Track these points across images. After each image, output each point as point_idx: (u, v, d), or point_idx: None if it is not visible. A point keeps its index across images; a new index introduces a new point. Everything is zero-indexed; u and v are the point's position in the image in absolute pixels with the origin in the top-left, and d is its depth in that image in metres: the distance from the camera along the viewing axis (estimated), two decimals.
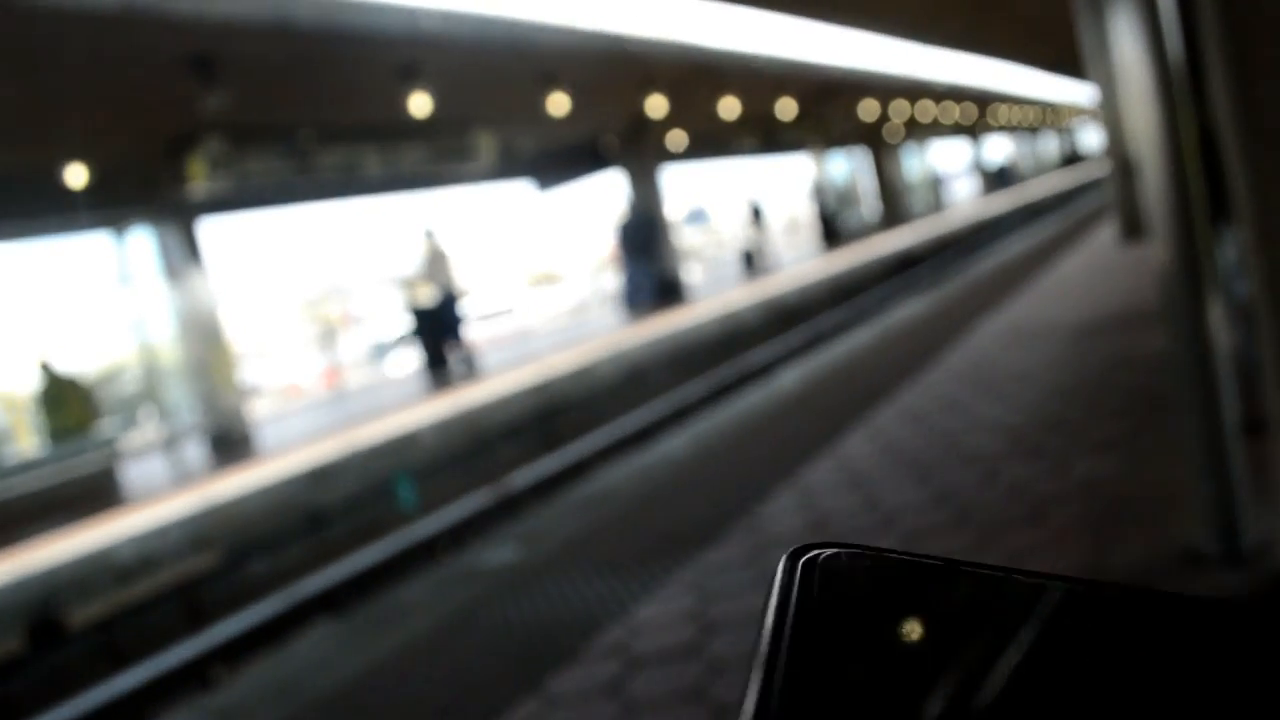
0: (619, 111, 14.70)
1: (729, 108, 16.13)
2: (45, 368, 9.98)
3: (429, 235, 12.53)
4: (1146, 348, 4.56)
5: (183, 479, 8.97)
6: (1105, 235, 10.68)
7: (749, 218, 21.59)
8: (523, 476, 8.26)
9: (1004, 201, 30.93)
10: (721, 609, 2.72)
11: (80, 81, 7.92)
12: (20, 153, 9.11)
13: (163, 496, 7.98)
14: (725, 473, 4.37)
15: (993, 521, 2.84)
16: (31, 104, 8.08)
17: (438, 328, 12.73)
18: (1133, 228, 8.08)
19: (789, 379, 9.13)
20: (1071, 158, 55.91)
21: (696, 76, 13.82)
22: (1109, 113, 7.87)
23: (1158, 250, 2.52)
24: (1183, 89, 2.18)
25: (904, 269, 18.82)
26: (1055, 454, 3.34)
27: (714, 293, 17.19)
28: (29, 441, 10.72)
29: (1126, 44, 3.51)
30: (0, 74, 7.28)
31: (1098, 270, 8.19)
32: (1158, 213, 2.54)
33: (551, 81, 11.22)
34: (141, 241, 11.00)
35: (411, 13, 8.88)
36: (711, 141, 20.02)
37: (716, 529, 3.32)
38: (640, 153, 17.05)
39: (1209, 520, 2.45)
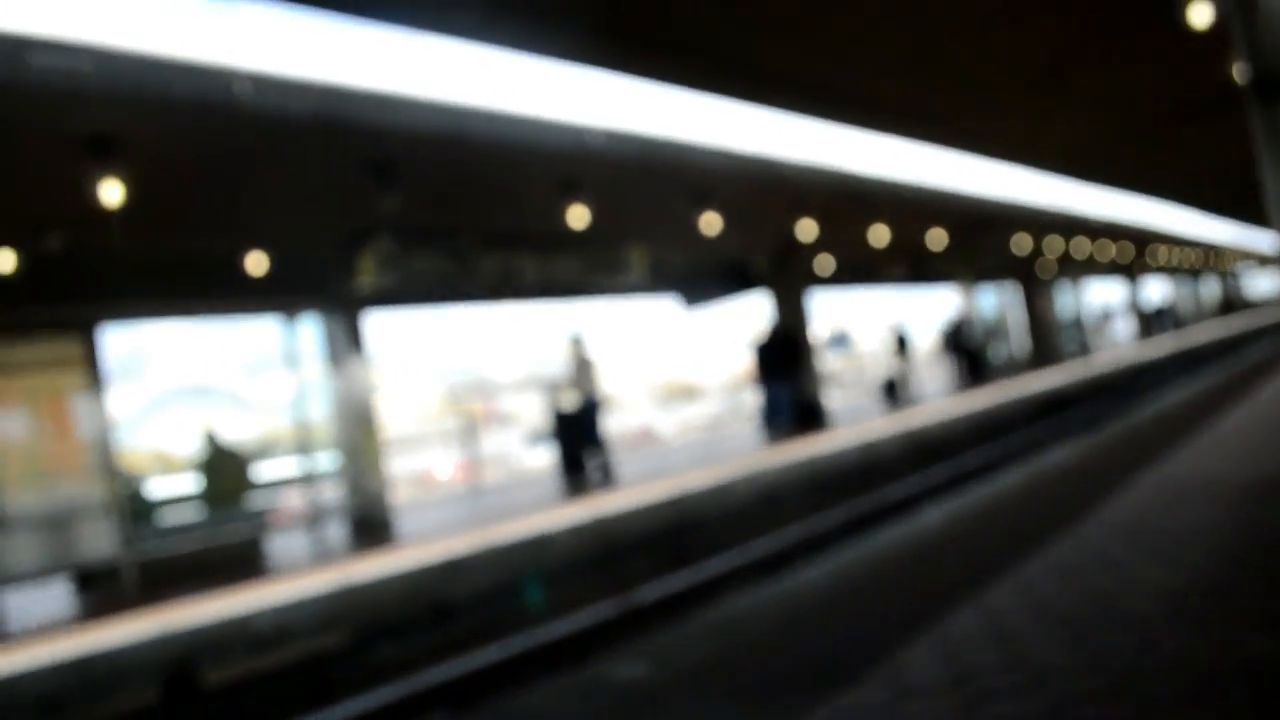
0: (769, 234, 14.90)
1: (879, 235, 16.14)
2: (210, 436, 10.54)
3: (576, 341, 12.82)
4: None
5: (323, 557, 9.25)
6: (1276, 390, 10.13)
7: (894, 346, 21.34)
8: (652, 591, 8.20)
9: (1163, 345, 29.71)
10: None
11: (269, 178, 8.55)
12: (208, 239, 9.82)
13: (303, 572, 8.24)
14: (862, 611, 4.25)
15: (1154, 695, 2.67)
16: (223, 197, 8.74)
17: (577, 432, 12.91)
18: None
19: (931, 518, 8.87)
20: (1236, 303, 53.53)
21: (848, 202, 13.94)
22: None
23: None
24: None
25: (1054, 411, 18.17)
26: (1222, 626, 3.14)
27: (855, 420, 16.95)
28: (181, 505, 11.26)
29: None
30: (196, 169, 7.91)
31: (1268, 428, 7.74)
32: None
33: (705, 200, 11.49)
34: (309, 328, 11.61)
35: (578, 131, 9.29)
36: (860, 268, 20.02)
37: (852, 671, 3.22)
38: (788, 276, 17.16)
39: None
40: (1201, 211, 29.51)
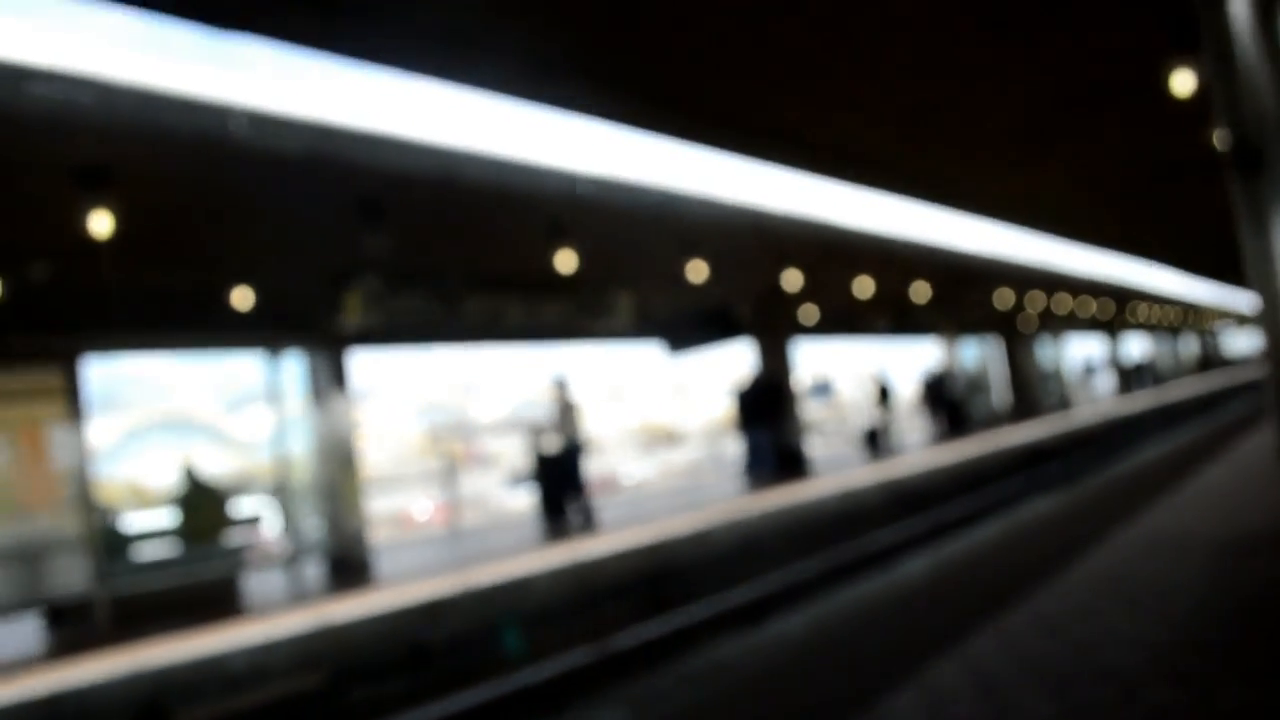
0: (754, 282, 15.01)
1: (863, 286, 16.29)
2: (188, 471, 10.46)
3: (560, 385, 12.83)
4: None
5: (300, 597, 9.16)
6: (1253, 446, 10.22)
7: (876, 396, 21.43)
8: (631, 637, 8.15)
9: (1141, 401, 29.94)
10: None
11: (259, 214, 8.57)
12: (195, 273, 9.81)
13: (280, 611, 8.15)
14: (843, 661, 4.24)
15: None
16: (212, 231, 8.75)
17: (559, 476, 12.88)
18: None
19: (912, 568, 8.87)
20: (1215, 361, 54.07)
21: (833, 254, 14.07)
22: (1270, 323, 7.63)
23: None
24: None
25: (1034, 463, 18.25)
26: (1200, 679, 3.15)
27: (836, 468, 16.97)
28: (157, 541, 11.14)
29: None
30: (186, 203, 7.93)
31: (1246, 485, 7.81)
32: None
33: (692, 248, 11.57)
34: (292, 365, 11.59)
35: (569, 177, 9.37)
36: (844, 319, 20.16)
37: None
38: (772, 324, 17.27)
39: None
40: (1181, 271, 29.90)
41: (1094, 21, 7.39)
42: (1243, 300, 38.53)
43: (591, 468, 14.55)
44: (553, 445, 13.09)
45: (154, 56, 6.54)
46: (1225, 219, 8.77)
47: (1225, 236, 9.70)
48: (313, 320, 11.09)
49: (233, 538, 10.45)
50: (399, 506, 23.97)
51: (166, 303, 10.07)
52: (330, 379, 11.62)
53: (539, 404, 13.36)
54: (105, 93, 6.32)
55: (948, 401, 23.83)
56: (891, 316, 20.86)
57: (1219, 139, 7.56)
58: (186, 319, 10.55)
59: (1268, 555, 4.84)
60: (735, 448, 20.92)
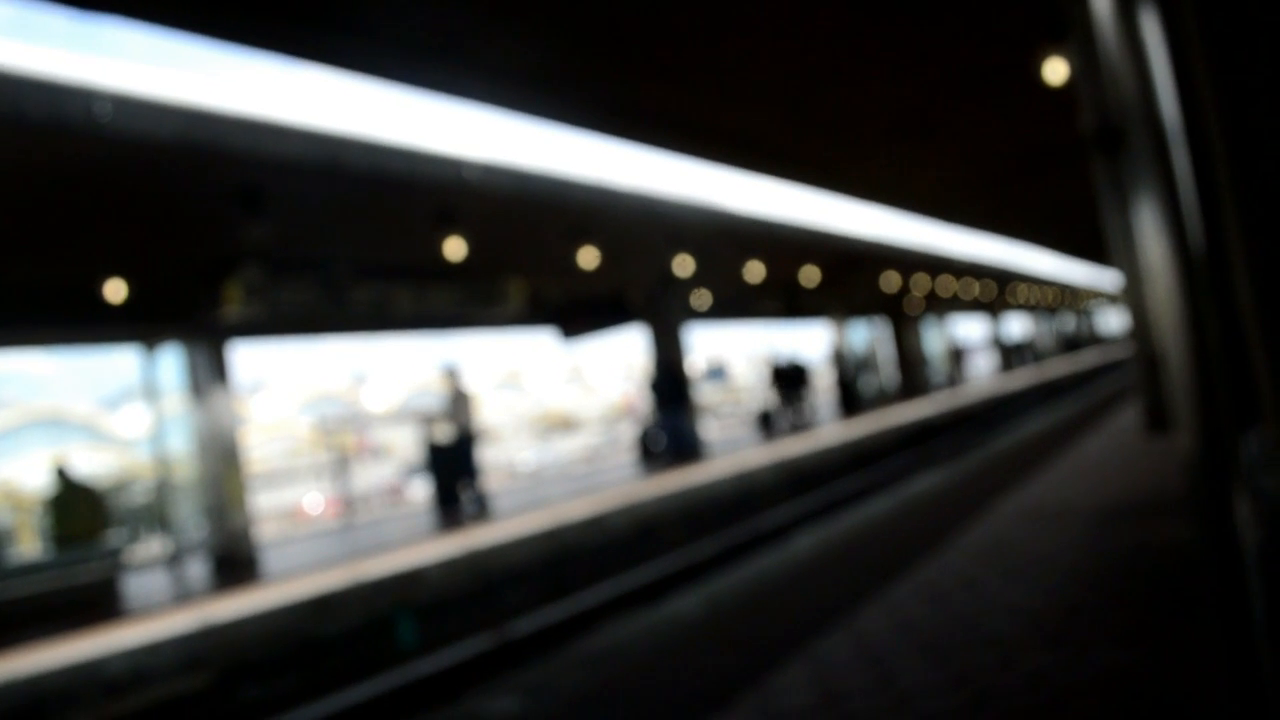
0: (646, 268, 15.05)
1: (754, 271, 16.48)
2: (60, 471, 10.01)
3: (451, 374, 12.68)
4: (1168, 537, 4.52)
5: (184, 596, 8.86)
6: (1125, 420, 10.70)
7: (769, 378, 21.73)
8: (527, 624, 8.13)
9: (1022, 379, 31.07)
10: None
11: (129, 202, 8.22)
12: (63, 265, 9.38)
13: (162, 612, 7.88)
14: (735, 638, 4.29)
15: (1013, 710, 2.77)
16: (78, 219, 8.36)
17: (453, 466, 12.74)
18: (1157, 419, 8.09)
19: (803, 545, 9.04)
20: (1090, 339, 56.45)
21: (724, 239, 14.20)
22: (1133, 300, 8.00)
23: (1184, 442, 2.54)
24: (1205, 284, 2.24)
25: (921, 440, 18.80)
26: (1075, 642, 3.28)
27: (730, 450, 17.18)
28: (31, 543, 10.67)
29: (1150, 236, 3.62)
30: (51, 189, 7.55)
31: (1119, 456, 8.17)
32: (1184, 406, 2.58)
33: (582, 235, 11.54)
34: (170, 359, 11.18)
35: (456, 163, 9.23)
36: (736, 303, 20.40)
37: (723, 697, 3.25)
38: (665, 310, 17.36)
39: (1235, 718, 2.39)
40: (1057, 253, 31.10)
41: (973, 10, 7.60)
42: (1109, 279, 40.31)
43: (487, 455, 14.43)
44: (445, 434, 12.94)
45: (10, 38, 6.21)
46: (1094, 203, 9.16)
47: (1093, 220, 10.12)
48: (191, 312, 10.70)
49: (110, 539, 10.04)
50: (290, 501, 23.42)
51: (35, 296, 9.61)
52: (211, 373, 11.25)
53: (431, 393, 13.14)
54: None
55: (839, 382, 24.35)
56: (782, 300, 21.18)
57: (1084, 124, 7.87)
58: (56, 313, 10.08)
59: (1135, 523, 5.07)
60: (631, 433, 21.01)
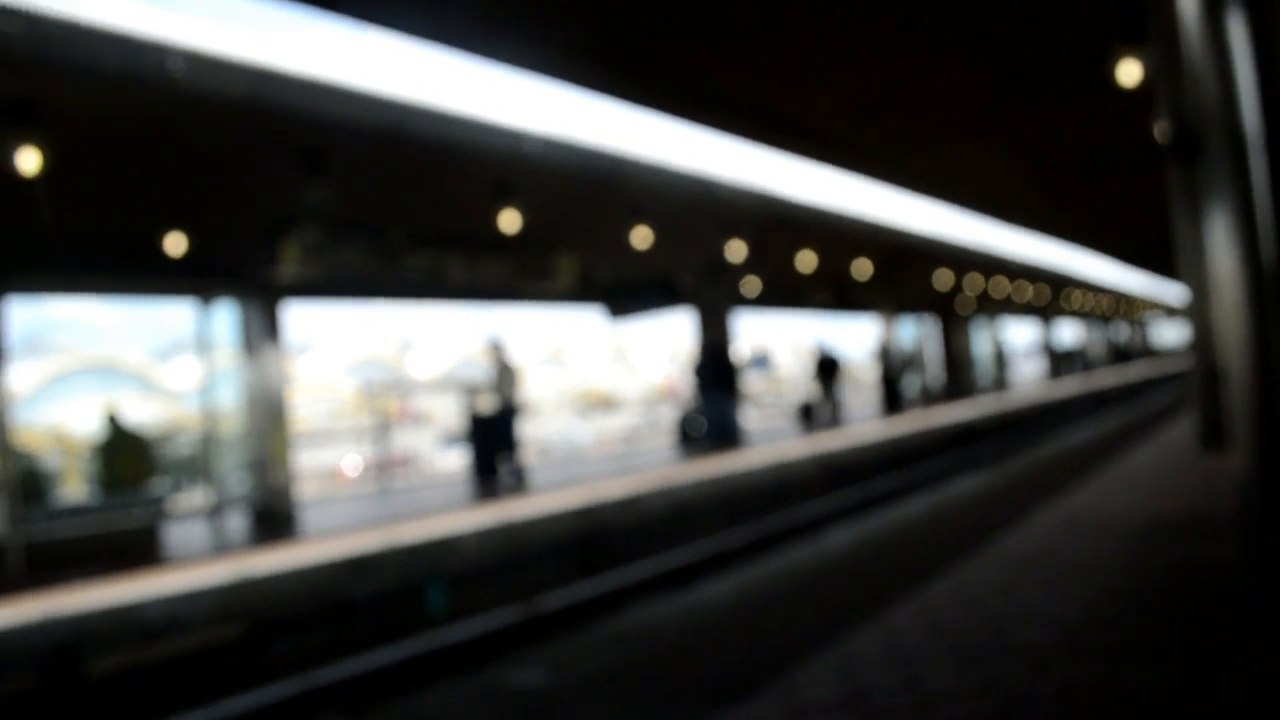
0: (698, 251, 14.98)
1: (806, 261, 16.36)
2: (111, 418, 10.21)
3: (496, 346, 12.74)
4: (1214, 557, 4.43)
5: (222, 548, 9.02)
6: (1176, 435, 10.49)
7: (814, 370, 21.56)
8: (558, 598, 8.17)
9: (1071, 386, 30.61)
10: None
11: (195, 157, 8.32)
12: (126, 216, 9.53)
13: (200, 562, 8.03)
14: (765, 628, 4.28)
15: (1040, 719, 2.74)
16: (146, 173, 8.49)
17: (493, 437, 12.81)
18: (1213, 436, 7.91)
19: (838, 539, 8.99)
20: (1143, 350, 55.42)
21: (778, 226, 14.09)
22: (1198, 315, 7.81)
23: (1239, 460, 2.48)
24: (1275, 299, 2.17)
25: (964, 442, 18.59)
26: (1108, 657, 3.23)
27: (771, 440, 17.12)
28: (78, 487, 10.90)
29: (1220, 248, 3.52)
30: (119, 142, 7.67)
31: (1166, 471, 8.02)
32: (1242, 423, 2.51)
33: (637, 214, 11.51)
34: (225, 314, 11.34)
35: (516, 136, 9.24)
36: (785, 292, 20.26)
37: (749, 687, 3.24)
38: (714, 294, 17.29)
39: None
40: (1116, 260, 30.51)
41: (1049, 7, 7.44)
42: (1171, 291, 39.50)
43: (527, 430, 14.50)
44: (488, 406, 13.01)
45: None
46: (1160, 212, 8.95)
47: (1159, 228, 9.90)
48: (247, 269, 10.84)
49: (155, 487, 10.24)
50: (330, 461, 23.72)
51: (96, 245, 9.77)
52: (263, 330, 11.40)
53: (476, 364, 13.23)
54: (34, 23, 6.07)
55: (884, 379, 24.12)
56: (832, 291, 21.00)
57: (1160, 129, 7.68)
58: (117, 263, 10.25)
59: (1178, 540, 4.98)
60: (672, 415, 20.99)
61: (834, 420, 20.41)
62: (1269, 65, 1.51)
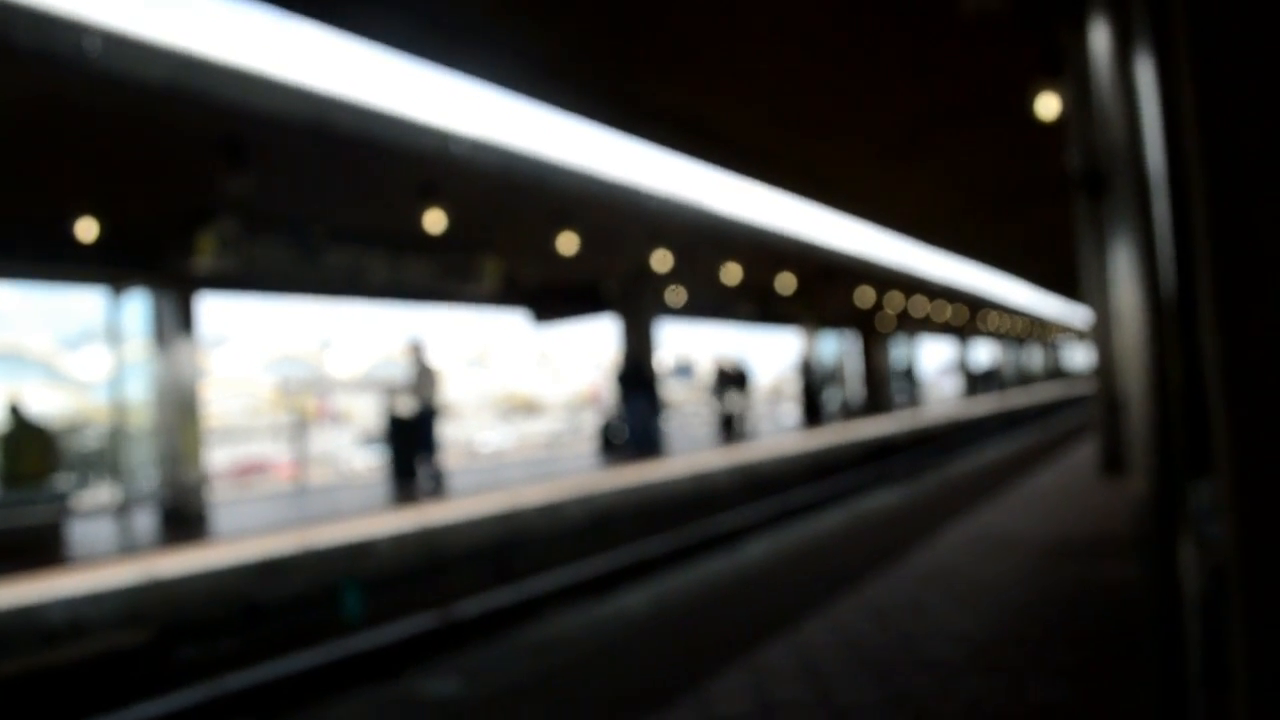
0: (625, 260, 15.03)
1: (731, 273, 16.52)
2: (14, 409, 9.84)
3: (417, 347, 12.60)
4: (1113, 578, 4.58)
5: (129, 548, 8.75)
6: (1082, 456, 10.82)
7: (714, 383, 21.77)
8: (474, 606, 8.10)
9: (985, 405, 31.37)
10: None
11: (111, 141, 8.08)
12: (36, 198, 9.22)
13: (106, 562, 7.78)
14: (679, 639, 4.31)
15: None
16: (56, 154, 8.21)
17: (412, 439, 12.67)
18: (1113, 461, 8.20)
19: (755, 551, 9.08)
20: (1055, 372, 57.07)
21: (705, 239, 14.21)
22: (1100, 339, 8.10)
23: (1137, 485, 2.57)
24: (1173, 333, 2.26)
25: (880, 456, 18.93)
26: (1015, 671, 3.32)
27: (692, 449, 17.21)
28: None
29: (1123, 279, 3.65)
30: (33, 120, 7.42)
31: (1072, 492, 8.27)
32: (1139, 451, 2.61)
33: (565, 220, 11.50)
34: (137, 304, 11.04)
35: (444, 136, 9.17)
36: (711, 303, 20.41)
37: (661, 699, 3.26)
38: (639, 303, 17.35)
39: None
40: (1030, 284, 31.37)
41: (973, 38, 7.63)
42: (1080, 315, 40.75)
43: (447, 433, 14.37)
44: (407, 407, 12.86)
45: None
46: (1071, 239, 9.24)
47: (1071, 255, 10.21)
48: (162, 259, 10.55)
49: (59, 483, 9.90)
50: (244, 459, 23.21)
51: (3, 227, 9.43)
52: (176, 322, 11.10)
53: (397, 364, 13.07)
54: None
55: (805, 392, 24.46)
56: (757, 304, 21.23)
57: (1069, 163, 7.94)
58: (23, 246, 9.91)
59: (1084, 559, 5.13)
60: (594, 421, 20.97)
61: (740, 434, 20.59)
62: (1174, 108, 1.57)
